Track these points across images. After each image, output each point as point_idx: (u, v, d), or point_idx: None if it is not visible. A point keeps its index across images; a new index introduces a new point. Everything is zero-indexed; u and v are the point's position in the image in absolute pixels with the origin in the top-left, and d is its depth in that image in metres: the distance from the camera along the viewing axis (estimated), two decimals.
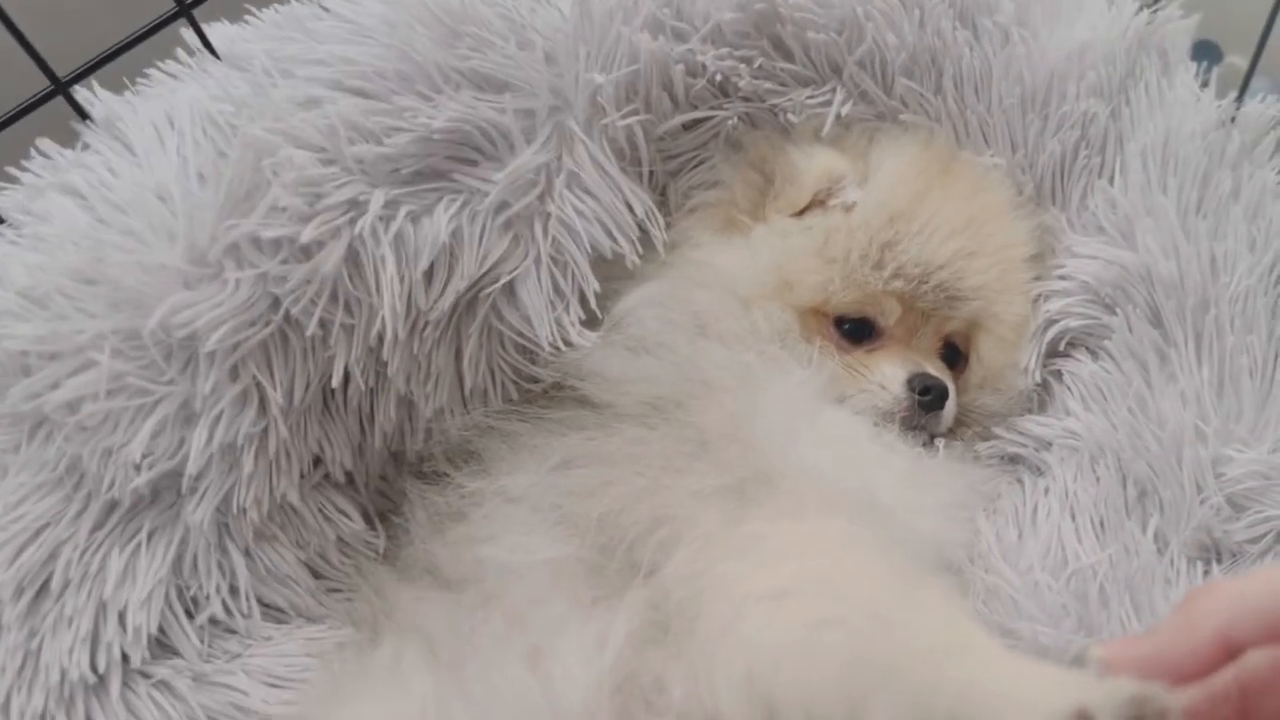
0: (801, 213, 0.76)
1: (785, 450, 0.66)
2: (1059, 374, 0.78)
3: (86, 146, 0.71)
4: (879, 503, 0.66)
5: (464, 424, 0.76)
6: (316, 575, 0.75)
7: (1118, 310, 0.76)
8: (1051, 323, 0.77)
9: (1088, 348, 0.77)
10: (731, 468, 0.65)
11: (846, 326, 0.77)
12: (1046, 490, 0.76)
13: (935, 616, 0.54)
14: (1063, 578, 0.71)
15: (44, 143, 0.71)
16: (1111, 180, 0.78)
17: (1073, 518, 0.74)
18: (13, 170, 0.70)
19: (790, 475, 0.64)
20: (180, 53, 0.73)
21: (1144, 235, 0.75)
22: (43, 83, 0.70)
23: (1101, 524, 0.73)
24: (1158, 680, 0.44)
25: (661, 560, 0.62)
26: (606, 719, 0.59)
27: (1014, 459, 0.79)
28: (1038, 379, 0.78)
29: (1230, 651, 0.45)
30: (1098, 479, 0.74)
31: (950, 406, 0.77)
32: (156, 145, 0.69)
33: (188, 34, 0.72)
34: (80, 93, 0.71)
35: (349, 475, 0.76)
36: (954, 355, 0.81)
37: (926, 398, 0.75)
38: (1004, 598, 0.72)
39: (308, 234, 0.66)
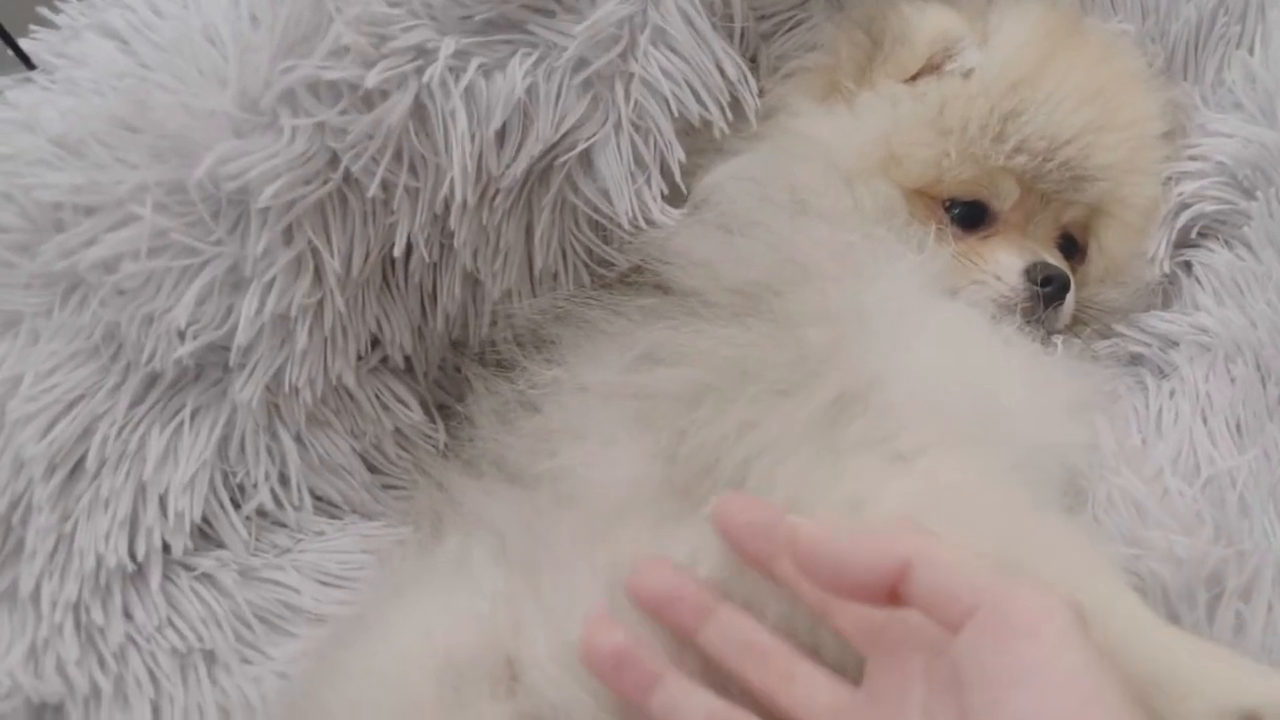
0: (913, 78, 0.68)
1: (895, 356, 0.59)
2: (1188, 265, 0.71)
3: None
4: (1000, 408, 0.59)
5: (532, 308, 0.69)
6: (372, 469, 0.69)
7: (1257, 194, 0.68)
8: (1184, 207, 0.70)
9: (1221, 236, 0.70)
10: (834, 381, 0.58)
11: (957, 211, 0.70)
12: (1172, 393, 0.69)
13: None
14: (1197, 484, 0.64)
15: None
16: (1251, 51, 0.70)
17: (1205, 421, 0.67)
18: (45, 11, 0.64)
19: (902, 388, 0.58)
20: None
21: None
22: None
23: (1239, 427, 0.66)
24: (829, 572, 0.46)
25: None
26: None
27: (1135, 359, 0.72)
28: (1166, 270, 0.71)
29: (891, 588, 0.45)
30: (1233, 379, 0.67)
31: (1070, 300, 0.70)
32: None
33: None
34: None
35: (408, 361, 0.70)
36: (1070, 247, 0.74)
37: (1047, 289, 0.68)
38: (1128, 505, 0.65)
39: (372, 79, 0.59)
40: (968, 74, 0.68)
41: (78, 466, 0.60)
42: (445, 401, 0.73)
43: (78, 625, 0.59)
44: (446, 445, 0.71)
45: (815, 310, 0.61)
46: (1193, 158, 0.71)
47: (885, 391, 0.58)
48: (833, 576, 0.46)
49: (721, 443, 0.58)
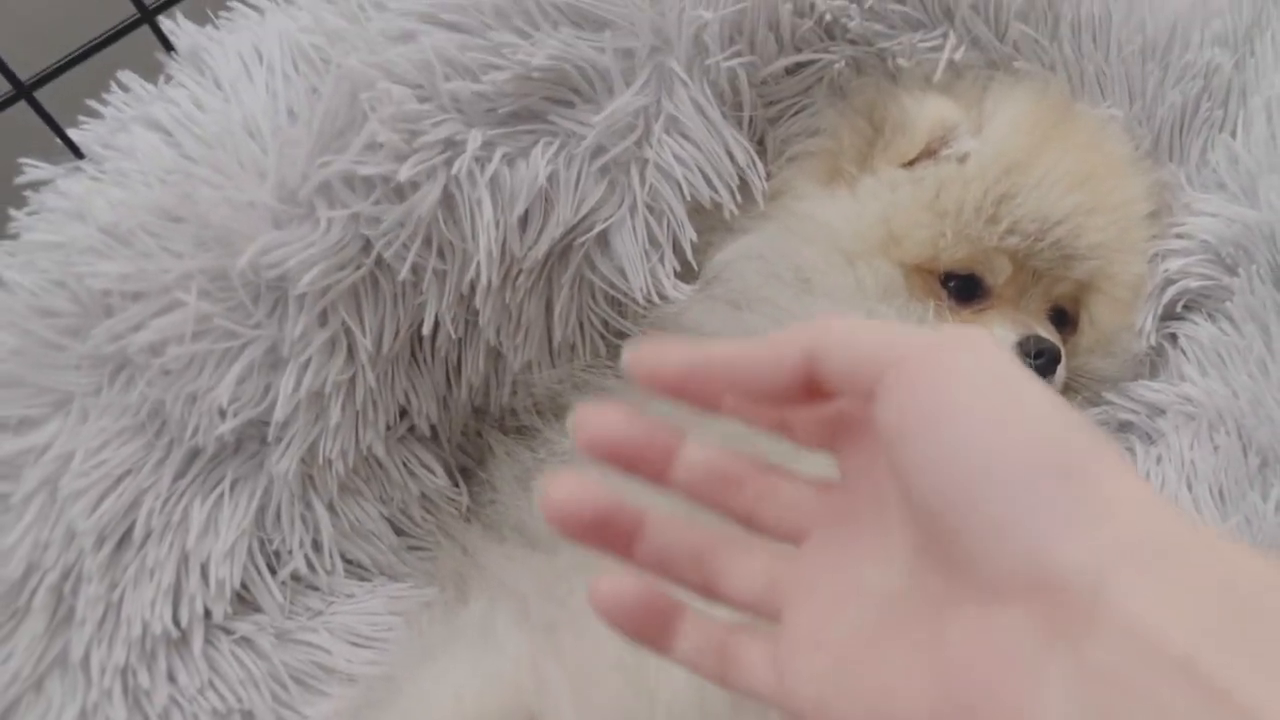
0: (911, 163, 0.72)
1: None
2: (1174, 337, 0.75)
3: (170, 79, 0.68)
4: None
5: (551, 378, 0.73)
6: (399, 532, 0.73)
7: (1239, 270, 0.72)
8: (1169, 283, 0.73)
9: (1205, 310, 0.74)
10: None
11: (953, 284, 0.73)
12: (1159, 459, 0.72)
13: None
14: None
15: (125, 75, 0.68)
16: (1234, 134, 0.74)
17: (1190, 487, 0.70)
18: (94, 104, 0.68)
19: None
20: None
21: (1268, 192, 0.71)
22: (127, 11, 0.67)
23: (1221, 494, 0.70)
24: (735, 381, 0.42)
25: None
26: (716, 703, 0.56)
27: (1124, 426, 0.75)
28: (1153, 342, 0.74)
29: (807, 383, 0.41)
30: (1216, 447, 0.71)
31: (1061, 371, 0.73)
32: (244, 79, 0.66)
33: None
34: (164, 23, 0.68)
35: (434, 429, 0.73)
36: (1061, 319, 0.77)
37: (1039, 361, 0.71)
38: None
39: (404, 172, 0.63)
40: (963, 159, 0.71)
41: (125, 538, 0.63)
42: (467, 465, 0.76)
43: (125, 689, 0.62)
44: (469, 508, 0.75)
45: None
46: (1179, 235, 0.74)
47: None
48: (750, 384, 0.42)
49: None
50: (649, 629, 0.45)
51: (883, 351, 0.39)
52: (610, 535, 0.45)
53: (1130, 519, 0.34)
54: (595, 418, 0.44)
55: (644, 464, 0.45)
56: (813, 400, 0.42)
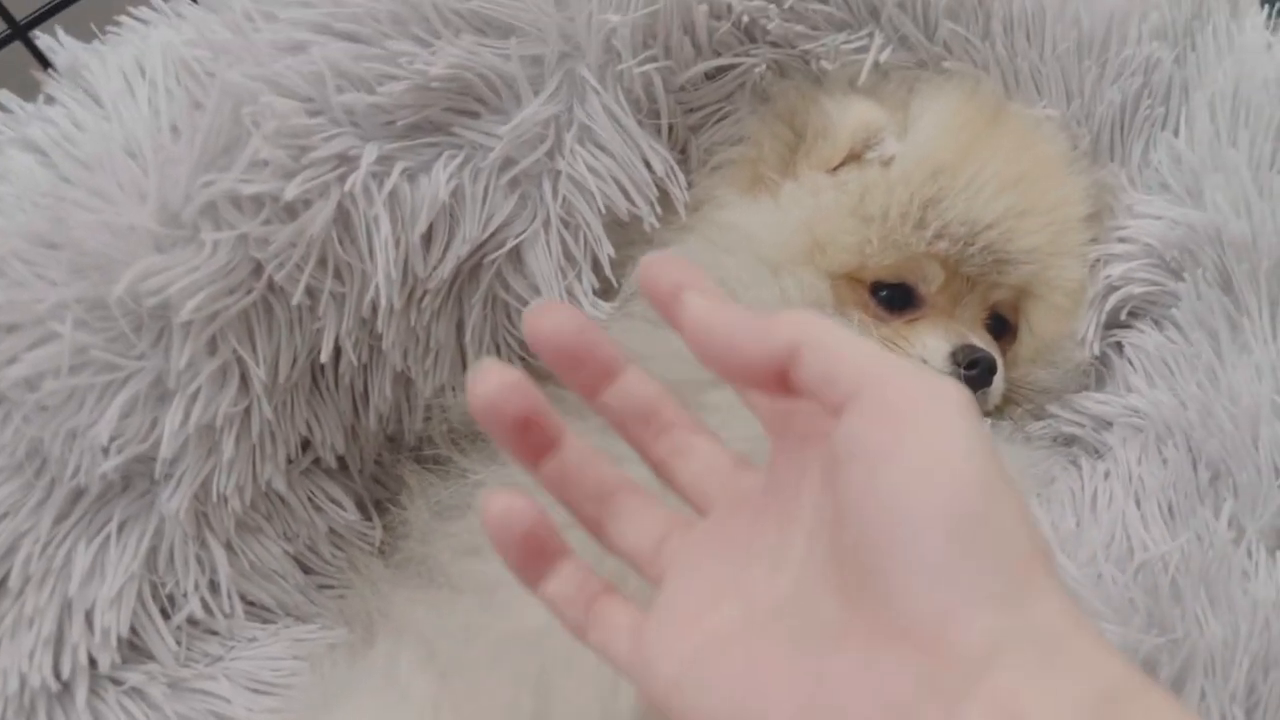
0: (835, 169, 0.69)
1: None
2: (1119, 346, 0.71)
3: (49, 98, 0.64)
4: None
5: (466, 403, 0.69)
6: (306, 570, 0.69)
7: (1185, 275, 0.68)
8: (1112, 289, 0.70)
9: (1151, 317, 0.70)
10: None
11: (883, 294, 0.70)
12: (1107, 474, 0.69)
13: None
14: (1129, 570, 0.64)
15: (2, 94, 0.64)
16: (1176, 132, 0.71)
17: (1138, 504, 0.67)
18: None
19: None
20: None
21: (1213, 192, 0.68)
22: None
23: (1170, 510, 0.66)
24: (717, 349, 0.42)
25: None
26: None
27: (1069, 440, 0.72)
28: (1096, 351, 0.71)
29: (780, 372, 0.41)
30: (1165, 461, 0.67)
31: (998, 382, 0.70)
32: (126, 96, 0.62)
33: None
34: (41, 39, 0.65)
35: (341, 460, 0.69)
36: (1001, 327, 0.74)
37: (973, 372, 0.68)
38: None
39: (292, 190, 0.59)
40: (888, 162, 0.68)
41: (1, 585, 0.60)
42: (381, 497, 0.72)
43: None
44: (384, 542, 0.71)
45: (738, 406, 0.61)
46: (1121, 239, 0.71)
47: None
48: (721, 356, 0.42)
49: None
50: (527, 557, 0.45)
51: (862, 376, 0.39)
52: (527, 437, 0.45)
53: (1039, 610, 0.35)
54: (550, 313, 0.45)
55: (583, 372, 0.46)
56: (777, 391, 0.42)
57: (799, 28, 0.68)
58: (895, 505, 0.36)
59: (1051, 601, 0.36)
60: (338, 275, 0.63)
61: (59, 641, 0.60)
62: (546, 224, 0.66)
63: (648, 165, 0.67)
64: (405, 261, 0.63)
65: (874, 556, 0.37)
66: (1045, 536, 0.37)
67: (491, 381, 0.44)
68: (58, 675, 0.60)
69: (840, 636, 0.38)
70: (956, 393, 0.38)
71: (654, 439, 0.47)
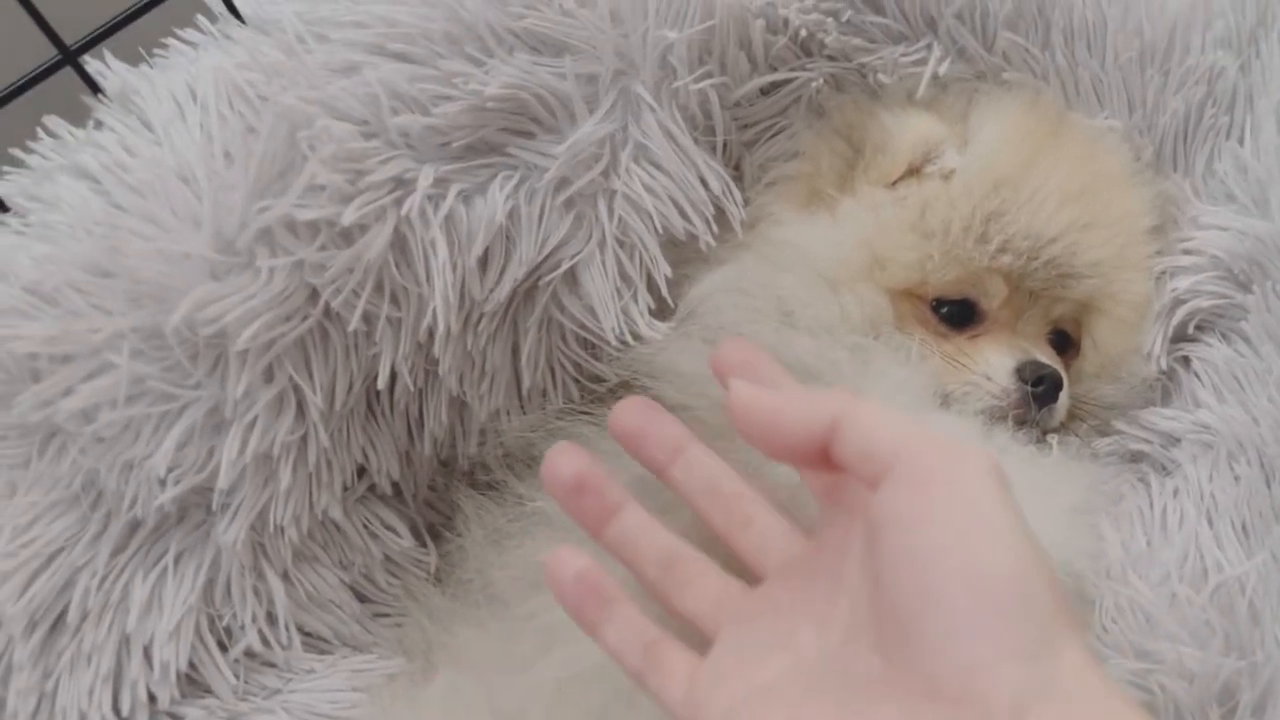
0: (894, 184, 0.67)
1: None
2: (1186, 360, 0.70)
3: (99, 124, 0.63)
4: None
5: (522, 426, 0.68)
6: (362, 599, 0.68)
7: (1253, 287, 0.67)
8: (1179, 303, 0.69)
9: (1219, 330, 0.69)
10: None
11: (945, 310, 0.69)
12: (1176, 491, 0.67)
13: None
14: (1205, 591, 0.62)
15: (51, 120, 0.63)
16: (1241, 142, 0.69)
17: (1210, 523, 0.65)
18: (17, 152, 0.63)
19: None
20: (200, 18, 0.65)
21: None
22: (49, 52, 0.62)
23: (1245, 529, 0.64)
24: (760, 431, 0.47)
25: None
26: None
27: (1137, 456, 0.70)
28: (1163, 366, 0.69)
29: (822, 449, 0.45)
30: (1237, 478, 0.66)
31: (1064, 398, 0.68)
32: (177, 121, 0.61)
33: None
34: (91, 64, 0.64)
35: (396, 487, 0.68)
36: (1063, 342, 0.72)
37: (1039, 389, 0.67)
38: (1136, 614, 0.63)
39: (349, 215, 0.58)
40: (948, 176, 0.67)
41: (59, 621, 0.59)
42: (435, 524, 0.71)
43: None
44: (439, 569, 0.70)
45: None
46: (1186, 251, 0.69)
47: None
48: (765, 437, 0.46)
49: None
50: (587, 605, 0.49)
51: (896, 450, 0.42)
52: (586, 503, 0.50)
53: (1064, 666, 0.38)
54: (630, 409, 0.52)
55: (651, 450, 0.52)
56: (822, 465, 0.45)
57: (856, 41, 0.67)
58: (929, 567, 0.39)
59: (1076, 657, 0.38)
60: (394, 300, 0.62)
61: (118, 677, 0.59)
62: (602, 244, 0.65)
63: (704, 183, 0.66)
64: (462, 285, 0.62)
65: (910, 616, 0.39)
66: (1069, 595, 0.42)
67: (556, 451, 0.51)
68: (117, 712, 0.59)
69: (880, 693, 0.40)
70: (985, 460, 0.41)
71: (718, 509, 0.50)
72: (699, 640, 0.49)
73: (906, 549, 0.40)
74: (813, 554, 0.48)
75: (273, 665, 0.64)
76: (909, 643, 0.39)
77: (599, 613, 0.49)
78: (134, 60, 0.65)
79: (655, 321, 0.66)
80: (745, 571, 0.51)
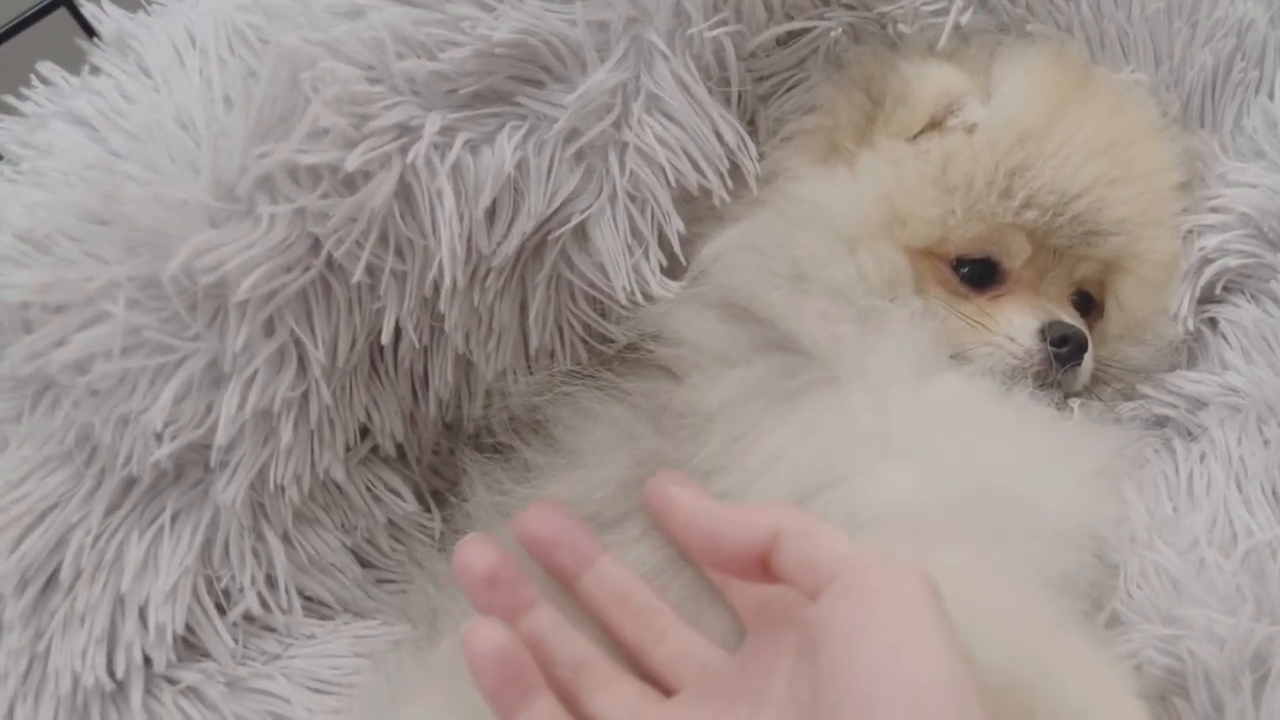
0: (915, 137, 0.66)
1: (869, 476, 0.57)
2: (1213, 322, 0.68)
3: (95, 69, 0.61)
4: (1016, 496, 0.57)
5: (529, 388, 0.66)
6: (364, 564, 0.66)
7: None
8: (1207, 262, 0.67)
9: (1248, 291, 0.67)
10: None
11: (965, 270, 0.67)
12: (1203, 456, 0.66)
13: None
14: (1235, 556, 0.60)
15: (45, 66, 0.62)
16: (1271, 96, 0.67)
17: (1239, 487, 0.63)
18: (10, 99, 0.61)
19: (908, 489, 0.56)
20: None
21: None
22: None
23: (1275, 493, 0.62)
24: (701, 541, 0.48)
25: None
26: None
27: (1162, 421, 0.69)
28: (1190, 327, 0.67)
29: (761, 560, 0.46)
30: (1266, 441, 0.64)
31: (1089, 360, 0.67)
32: (176, 65, 0.59)
33: None
34: (86, 7, 0.62)
35: (399, 448, 0.66)
36: (1086, 304, 0.70)
37: (1063, 349, 0.65)
38: (1163, 579, 0.61)
39: (353, 161, 0.56)
40: (971, 129, 0.65)
41: (51, 580, 0.57)
42: (440, 488, 0.69)
43: None
44: (443, 534, 0.68)
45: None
46: (1214, 209, 0.67)
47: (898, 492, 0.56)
48: (706, 549, 0.48)
49: None
50: (505, 690, 0.48)
51: (836, 562, 0.44)
52: (499, 598, 0.50)
53: None
54: (538, 515, 0.53)
55: (559, 561, 0.52)
56: (758, 577, 0.46)
57: None
58: (869, 675, 0.41)
59: None
60: (399, 252, 0.60)
61: (112, 639, 0.57)
62: (613, 198, 0.63)
63: (719, 136, 0.64)
64: (469, 237, 0.60)
65: None
66: (992, 707, 0.41)
67: (468, 544, 0.51)
68: (111, 674, 0.57)
69: None
70: (922, 578, 0.43)
71: (629, 621, 0.51)
72: None
73: (848, 658, 0.41)
74: (735, 672, 0.49)
75: (272, 630, 0.62)
76: None
77: (517, 701, 0.48)
78: (132, 5, 0.63)
79: (667, 280, 0.64)
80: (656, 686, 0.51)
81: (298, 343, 0.59)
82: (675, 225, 0.64)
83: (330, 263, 0.59)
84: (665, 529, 0.50)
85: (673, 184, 0.63)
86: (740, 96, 0.66)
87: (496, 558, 0.51)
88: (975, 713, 0.40)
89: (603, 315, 0.66)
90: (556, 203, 0.62)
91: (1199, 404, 0.67)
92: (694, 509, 0.49)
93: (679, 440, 0.60)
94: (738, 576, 0.48)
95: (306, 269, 0.58)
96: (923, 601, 0.43)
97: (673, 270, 0.65)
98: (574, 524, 0.53)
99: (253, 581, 0.61)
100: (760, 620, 0.49)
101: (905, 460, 0.56)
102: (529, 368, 0.67)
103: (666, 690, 0.50)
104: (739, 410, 0.60)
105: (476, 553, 0.51)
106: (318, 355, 0.59)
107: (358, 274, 0.59)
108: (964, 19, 0.66)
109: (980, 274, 0.67)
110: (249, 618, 0.61)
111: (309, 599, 0.64)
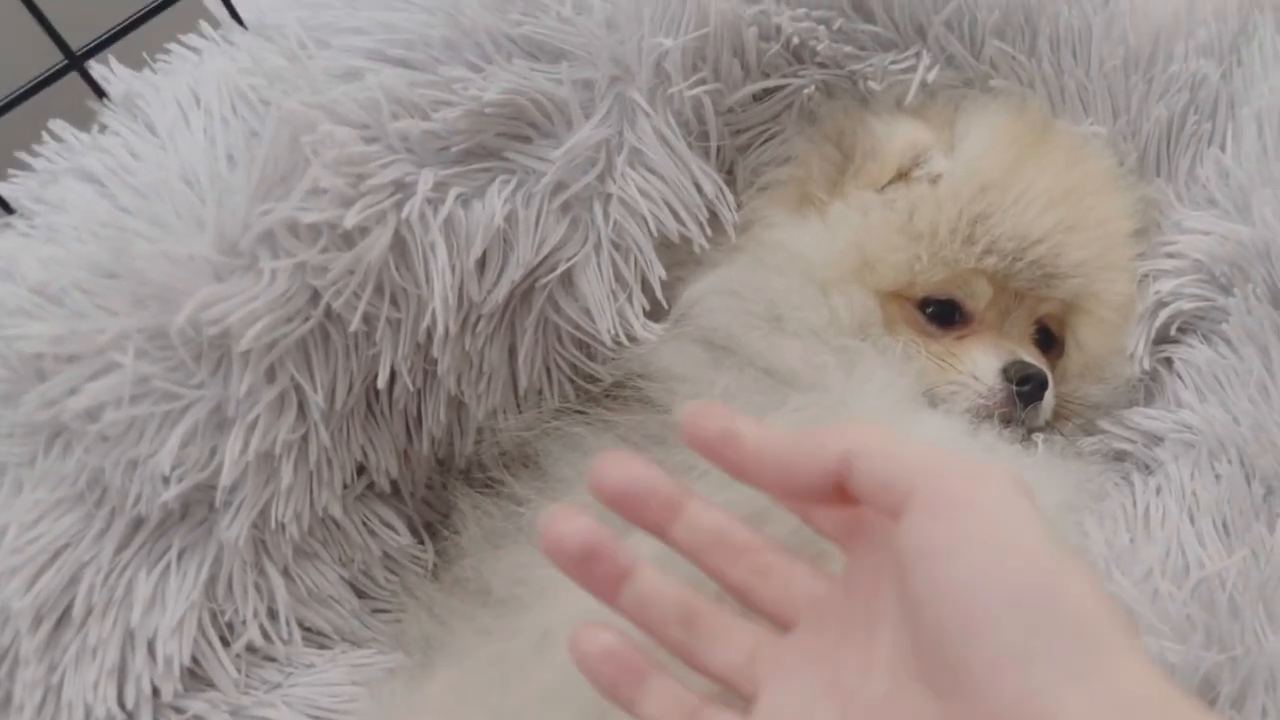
0: (883, 188, 0.69)
1: None
2: (1169, 361, 0.71)
3: (104, 128, 0.64)
4: None
5: (518, 425, 0.70)
6: (361, 595, 0.69)
7: (1234, 290, 0.68)
8: (1162, 305, 0.70)
9: (1201, 332, 0.70)
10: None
11: (932, 310, 0.70)
12: (1159, 489, 0.69)
13: None
14: (1186, 586, 0.64)
15: (57, 124, 0.65)
16: (1224, 148, 0.71)
17: (1192, 520, 0.67)
18: (23, 155, 0.64)
19: None
20: (204, 24, 0.66)
21: (1261, 207, 0.68)
22: (55, 57, 0.63)
23: (1225, 526, 0.66)
24: (774, 473, 0.44)
25: None
26: None
27: (1120, 455, 0.72)
28: (1146, 367, 0.71)
29: (838, 485, 0.43)
30: (1218, 477, 0.67)
31: (1049, 397, 0.70)
32: (181, 125, 0.62)
33: (212, 2, 0.66)
34: (96, 69, 0.65)
35: (394, 484, 0.69)
36: (1048, 341, 0.74)
37: (1025, 388, 0.68)
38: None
39: (351, 218, 0.59)
40: (935, 180, 0.68)
41: (64, 616, 0.60)
42: (432, 521, 0.72)
43: None
44: (436, 565, 0.71)
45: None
46: (1169, 255, 0.71)
47: None
48: (779, 480, 0.44)
49: None
50: (620, 683, 0.46)
51: (912, 476, 0.40)
52: (596, 571, 0.46)
53: (1125, 681, 0.35)
54: (614, 465, 0.46)
55: (648, 513, 0.46)
56: (838, 502, 0.43)
57: (847, 48, 0.69)
58: (967, 596, 0.37)
59: (1135, 668, 0.36)
60: (394, 302, 0.63)
61: (122, 671, 0.60)
62: (598, 247, 0.66)
63: (698, 187, 0.67)
64: (461, 287, 0.63)
65: (955, 649, 0.37)
66: (1121, 603, 0.39)
67: (555, 519, 0.45)
68: (122, 705, 0.59)
69: None
70: (1007, 477, 0.39)
71: (730, 566, 0.47)
72: (736, 698, 0.46)
73: (941, 579, 0.38)
74: (842, 596, 0.45)
75: (273, 659, 0.65)
76: (959, 676, 0.37)
77: (634, 690, 0.46)
78: (138, 65, 0.66)
79: (650, 323, 0.68)
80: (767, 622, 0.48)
81: (298, 388, 0.62)
82: (657, 271, 0.67)
83: (329, 313, 0.62)
84: (733, 469, 0.45)
85: (654, 233, 0.67)
86: (719, 149, 0.70)
87: (588, 528, 0.46)
88: (1093, 615, 0.36)
89: (589, 356, 0.70)
90: (544, 252, 0.65)
91: (1155, 439, 0.71)
92: (763, 442, 0.44)
93: (669, 471, 0.63)
94: (820, 505, 0.45)
95: (306, 319, 0.61)
96: (1014, 505, 0.39)
97: (655, 313, 0.69)
98: (652, 469, 0.47)
99: (255, 614, 0.63)
100: (854, 540, 0.45)
101: None
102: (518, 406, 0.70)
103: (783, 625, 0.47)
104: None
105: (568, 526, 0.46)
106: (317, 400, 0.62)
107: (355, 323, 0.62)
108: (930, 76, 0.69)
109: (945, 315, 0.70)
110: (251, 648, 0.64)
111: (308, 629, 0.66)
